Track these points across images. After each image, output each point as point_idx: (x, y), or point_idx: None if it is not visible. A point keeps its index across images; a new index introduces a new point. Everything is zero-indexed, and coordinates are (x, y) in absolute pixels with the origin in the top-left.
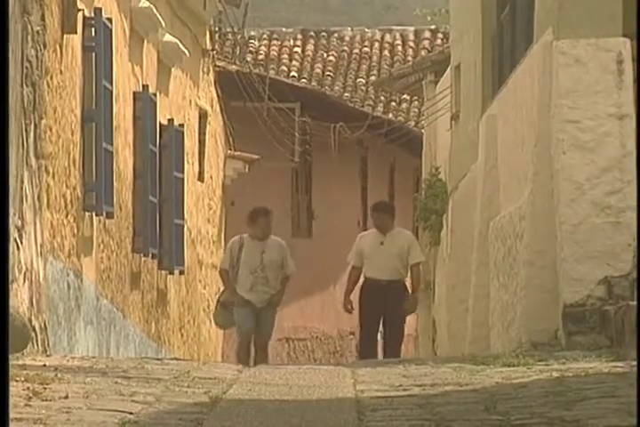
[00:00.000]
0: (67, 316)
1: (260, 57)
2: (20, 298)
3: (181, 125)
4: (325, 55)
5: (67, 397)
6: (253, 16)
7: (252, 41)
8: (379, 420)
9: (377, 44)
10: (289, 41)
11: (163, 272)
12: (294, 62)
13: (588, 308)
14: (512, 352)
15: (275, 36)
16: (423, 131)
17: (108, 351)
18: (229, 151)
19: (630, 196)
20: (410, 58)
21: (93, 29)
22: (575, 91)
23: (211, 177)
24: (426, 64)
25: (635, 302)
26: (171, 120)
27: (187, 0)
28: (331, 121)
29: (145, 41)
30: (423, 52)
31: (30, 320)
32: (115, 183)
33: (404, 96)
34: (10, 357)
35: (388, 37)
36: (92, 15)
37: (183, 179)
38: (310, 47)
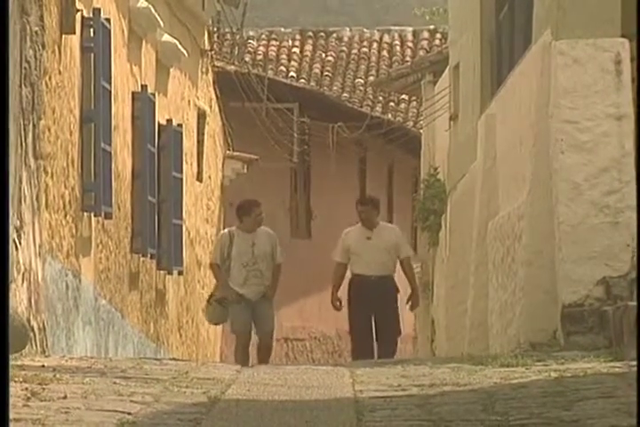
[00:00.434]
0: (65, 316)
1: (259, 57)
2: (18, 298)
3: (180, 126)
4: (324, 55)
5: (65, 397)
6: (252, 16)
7: (250, 41)
8: (377, 420)
9: (375, 45)
10: (287, 41)
11: (161, 272)
12: (293, 62)
13: (587, 308)
14: (511, 352)
15: (273, 36)
16: (422, 131)
17: (107, 352)
18: (228, 151)
19: (629, 196)
20: (408, 58)
21: (92, 30)
22: (574, 91)
23: (209, 177)
24: (424, 64)
25: (633, 303)
26: (169, 120)
27: (185, 0)
28: (329, 121)
29: (143, 41)
30: (421, 53)
31: (29, 321)
32: (113, 183)
33: (403, 96)
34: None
35: (386, 38)
36: (91, 15)
37: (182, 179)
38: (309, 47)
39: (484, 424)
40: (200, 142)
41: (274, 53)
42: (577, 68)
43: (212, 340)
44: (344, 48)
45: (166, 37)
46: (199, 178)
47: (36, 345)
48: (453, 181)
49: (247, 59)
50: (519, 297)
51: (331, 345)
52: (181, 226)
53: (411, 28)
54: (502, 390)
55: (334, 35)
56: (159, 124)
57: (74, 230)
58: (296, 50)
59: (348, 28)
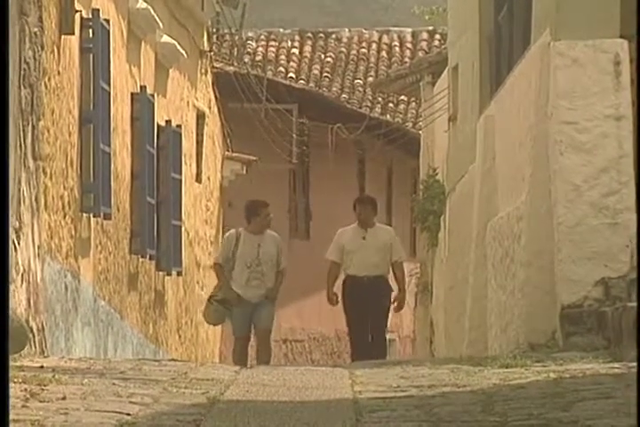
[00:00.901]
0: (64, 317)
1: (258, 58)
2: (17, 299)
3: (179, 127)
4: (323, 56)
5: (64, 398)
6: (251, 17)
7: (249, 42)
8: (376, 421)
9: (374, 46)
10: (286, 42)
11: (160, 273)
12: (292, 63)
13: (586, 309)
14: (509, 353)
15: (272, 37)
16: (421, 132)
17: (106, 353)
18: (227, 152)
19: (628, 197)
20: (407, 59)
21: (91, 31)
22: (572, 92)
23: (208, 178)
24: (423, 65)
25: (632, 304)
26: (168, 121)
27: (184, 1)
28: (328, 122)
29: (143, 42)
30: (420, 54)
31: (28, 321)
32: (112, 184)
33: (402, 97)
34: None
35: (385, 38)
36: (90, 16)
37: (181, 180)
38: (308, 48)
39: (483, 425)
40: (199, 143)
41: (273, 54)
42: (576, 69)
43: (211, 341)
44: (343, 49)
45: (165, 38)
46: (198, 179)
47: (35, 346)
48: (452, 181)
49: (246, 60)
50: (518, 298)
51: (330, 346)
52: (180, 227)
53: (410, 29)
54: (501, 390)
55: (333, 35)
56: (158, 125)
57: (73, 231)
58: (295, 51)
59: (347, 29)
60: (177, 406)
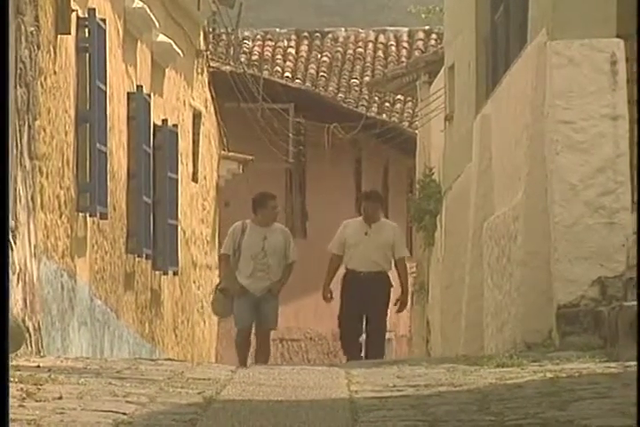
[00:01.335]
0: (60, 317)
1: (254, 57)
2: (13, 299)
3: (175, 126)
4: (319, 56)
5: (60, 397)
6: (247, 17)
7: (245, 41)
8: (372, 420)
9: (371, 45)
10: (283, 41)
11: (157, 273)
12: (288, 63)
13: (582, 308)
14: (506, 353)
15: (269, 36)
16: (417, 131)
17: (102, 352)
18: (223, 152)
19: (624, 196)
20: (404, 58)
21: (87, 30)
22: (569, 91)
23: (204, 178)
24: (420, 65)
25: (628, 303)
26: (165, 121)
27: (181, 0)
28: (325, 121)
29: (139, 41)
30: (417, 53)
31: (24, 321)
32: (108, 184)
33: (398, 97)
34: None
35: (381, 38)
36: (86, 16)
37: (177, 179)
38: (304, 48)
39: (479, 425)
40: (195, 143)
41: (269, 54)
42: (572, 69)
43: (207, 340)
44: (339, 48)
45: (161, 38)
46: (194, 178)
47: (32, 346)
48: (449, 181)
49: (242, 59)
50: (514, 297)
51: (326, 346)
52: (177, 226)
53: (406, 29)
54: (497, 390)
55: (330, 35)
56: (154, 125)
57: (69, 231)
58: (291, 50)
59: (343, 29)
60: (173, 405)
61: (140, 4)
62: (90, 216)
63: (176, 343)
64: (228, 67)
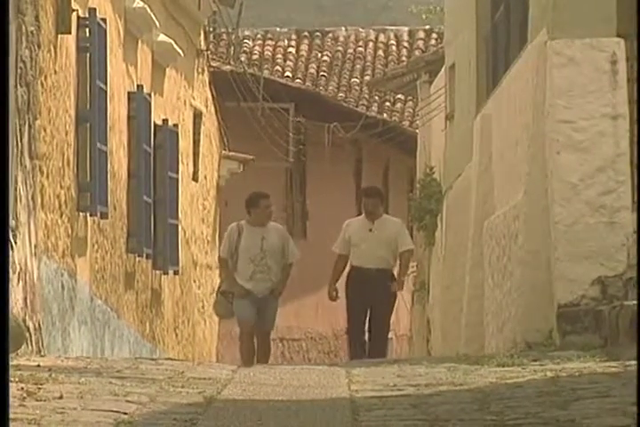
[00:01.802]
0: (61, 316)
1: (255, 57)
2: (14, 298)
3: (176, 126)
4: (320, 55)
5: (61, 397)
6: (248, 16)
7: (246, 41)
8: (373, 420)
9: (371, 44)
10: (283, 41)
11: (157, 272)
12: (288, 62)
13: (583, 308)
14: (506, 352)
15: (269, 36)
16: (417, 131)
17: (103, 352)
18: (224, 151)
19: (624, 195)
20: (404, 58)
21: (88, 30)
22: (569, 91)
23: (205, 177)
24: (420, 64)
25: (629, 302)
26: (165, 120)
27: (181, 0)
28: (325, 121)
29: (139, 41)
30: (417, 52)
31: (24, 321)
32: (109, 183)
33: (399, 96)
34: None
35: (382, 37)
36: (87, 15)
37: (177, 179)
38: (304, 47)
39: (480, 424)
40: (196, 142)
41: (270, 53)
42: (573, 68)
43: (207, 340)
44: (340, 48)
45: (162, 37)
46: (195, 178)
47: (32, 345)
48: (449, 180)
49: (243, 59)
50: (515, 297)
51: (327, 345)
52: (177, 226)
53: (406, 28)
54: (498, 389)
55: (330, 34)
56: (155, 124)
57: (69, 230)
58: (292, 50)
59: (343, 28)
60: (174, 405)
61: (141, 4)
62: (90, 216)
63: (176, 343)
64: (228, 66)
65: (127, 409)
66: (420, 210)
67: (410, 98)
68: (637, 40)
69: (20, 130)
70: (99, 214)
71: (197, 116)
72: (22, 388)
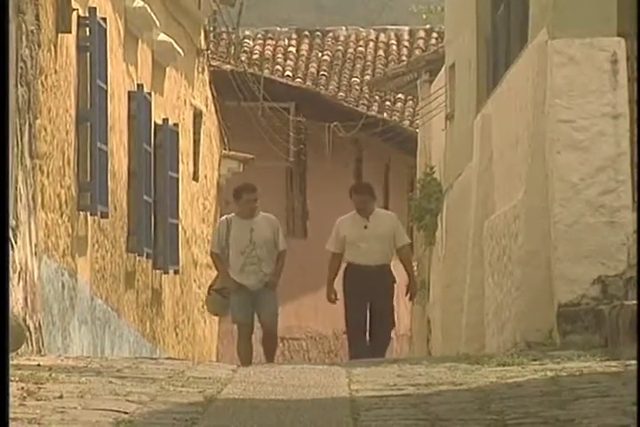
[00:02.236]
0: (61, 315)
1: (255, 56)
2: (14, 298)
3: (176, 125)
4: (320, 55)
5: (61, 396)
6: (248, 15)
7: (246, 40)
8: (373, 419)
9: (371, 44)
10: (283, 40)
11: (157, 272)
12: (289, 62)
13: (583, 307)
14: (506, 352)
15: (269, 35)
16: (418, 130)
17: (103, 351)
18: (224, 151)
19: (625, 195)
20: (404, 57)
21: (88, 29)
22: (570, 90)
23: (205, 177)
24: (420, 64)
25: (629, 302)
26: (165, 120)
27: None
28: (325, 120)
29: (139, 40)
30: (418, 52)
31: (25, 320)
32: (109, 183)
33: (399, 95)
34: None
35: (382, 37)
36: (87, 15)
37: (178, 178)
38: (305, 47)
39: (480, 423)
40: (196, 142)
41: (270, 53)
42: (573, 68)
43: (208, 339)
44: (340, 47)
45: (162, 37)
46: (195, 177)
47: (32, 344)
48: (449, 180)
49: (243, 58)
50: (515, 296)
51: (327, 344)
52: (177, 225)
53: (407, 28)
54: (498, 389)
55: (330, 34)
56: (155, 124)
57: (70, 230)
58: (292, 49)
59: (344, 28)
60: (174, 404)
61: (141, 3)
62: (90, 215)
63: (177, 342)
64: (228, 66)
65: (127, 409)
66: (421, 209)
67: (410, 97)
68: (638, 39)
69: (21, 129)
70: (99, 214)
71: (198, 116)
72: (22, 387)
